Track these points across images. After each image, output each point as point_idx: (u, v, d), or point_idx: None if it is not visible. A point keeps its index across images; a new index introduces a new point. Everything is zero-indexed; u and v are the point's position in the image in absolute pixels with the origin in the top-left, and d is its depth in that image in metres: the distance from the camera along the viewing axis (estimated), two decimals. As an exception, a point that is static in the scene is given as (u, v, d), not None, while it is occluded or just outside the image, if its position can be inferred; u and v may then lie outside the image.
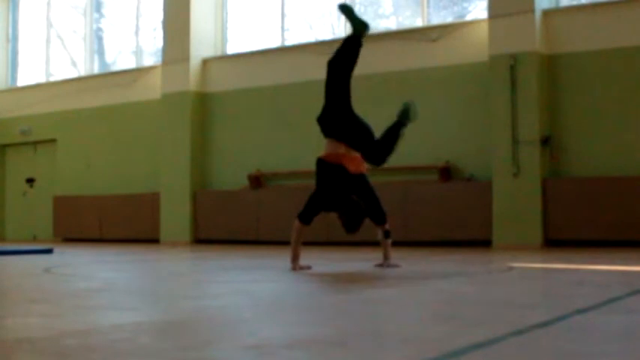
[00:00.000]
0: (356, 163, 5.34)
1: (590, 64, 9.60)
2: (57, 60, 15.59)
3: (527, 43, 9.64)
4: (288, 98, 11.90)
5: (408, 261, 6.51)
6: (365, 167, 5.45)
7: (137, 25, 14.32)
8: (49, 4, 15.59)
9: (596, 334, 2.33)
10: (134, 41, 14.41)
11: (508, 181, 9.62)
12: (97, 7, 15.09)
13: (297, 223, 5.27)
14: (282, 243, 11.27)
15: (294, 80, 11.83)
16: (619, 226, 8.98)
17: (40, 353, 2.01)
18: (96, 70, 14.89)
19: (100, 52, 15.08)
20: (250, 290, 4.02)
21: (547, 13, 9.85)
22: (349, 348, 2.09)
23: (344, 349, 2.07)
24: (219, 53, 12.96)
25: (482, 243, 9.80)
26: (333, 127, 5.36)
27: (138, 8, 14.30)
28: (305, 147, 11.19)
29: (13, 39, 16.12)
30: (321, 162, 5.35)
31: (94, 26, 15.08)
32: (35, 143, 15.37)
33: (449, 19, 11.11)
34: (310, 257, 7.43)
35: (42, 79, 15.56)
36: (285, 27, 12.58)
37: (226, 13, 13.10)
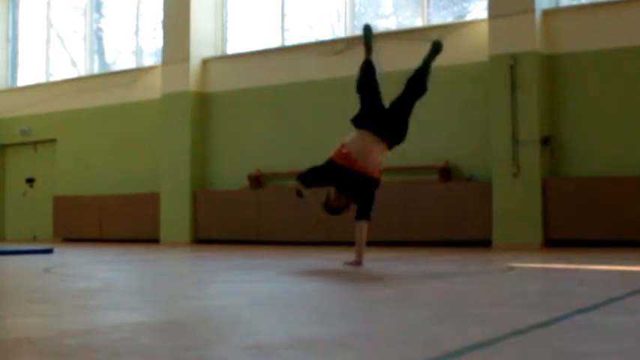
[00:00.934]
0: (371, 166, 5.44)
1: (590, 64, 9.60)
2: (57, 60, 15.58)
3: (527, 43, 9.64)
4: (288, 98, 11.89)
5: (407, 261, 6.51)
6: (380, 172, 5.50)
7: (137, 25, 14.32)
8: (49, 4, 15.58)
9: (596, 334, 2.33)
10: (134, 41, 14.41)
11: (508, 181, 9.62)
12: (97, 7, 15.09)
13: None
14: (282, 243, 11.28)
15: (294, 80, 11.82)
16: (619, 226, 8.97)
17: (40, 353, 2.01)
18: (96, 70, 14.89)
19: (100, 52, 15.08)
20: (250, 290, 4.02)
21: (547, 13, 9.85)
22: (349, 348, 2.09)
23: (344, 349, 2.07)
24: (219, 53, 12.96)
25: (482, 243, 9.80)
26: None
27: (138, 8, 14.30)
28: (305, 147, 11.19)
29: (13, 39, 16.11)
30: (332, 163, 5.50)
31: (94, 26, 15.07)
32: (35, 143, 15.36)
33: (449, 19, 11.11)
34: (310, 257, 7.44)
35: (42, 79, 15.56)
36: (285, 27, 12.57)
37: (226, 13, 13.10)
